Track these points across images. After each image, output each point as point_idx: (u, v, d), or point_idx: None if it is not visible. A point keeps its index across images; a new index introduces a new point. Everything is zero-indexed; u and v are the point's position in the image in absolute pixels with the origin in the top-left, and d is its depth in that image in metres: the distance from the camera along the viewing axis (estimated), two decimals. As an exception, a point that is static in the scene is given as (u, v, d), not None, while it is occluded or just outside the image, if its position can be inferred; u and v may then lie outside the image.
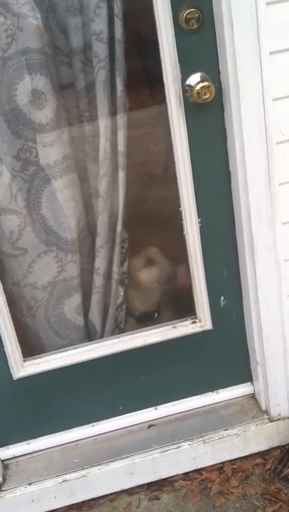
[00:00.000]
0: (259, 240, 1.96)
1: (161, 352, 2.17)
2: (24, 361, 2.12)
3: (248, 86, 1.76)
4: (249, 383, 2.28)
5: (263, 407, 2.23)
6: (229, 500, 2.07)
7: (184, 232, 2.02)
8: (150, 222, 2.52)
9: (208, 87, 1.78)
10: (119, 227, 2.18)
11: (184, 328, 2.16)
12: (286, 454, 2.18)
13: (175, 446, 2.15)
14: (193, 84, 1.78)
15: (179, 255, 2.11)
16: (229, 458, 2.20)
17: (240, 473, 2.16)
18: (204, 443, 2.16)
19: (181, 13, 1.72)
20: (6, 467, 2.20)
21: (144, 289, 2.39)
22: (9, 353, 2.07)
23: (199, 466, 2.19)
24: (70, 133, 2.08)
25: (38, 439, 2.21)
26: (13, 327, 2.06)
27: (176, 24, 1.74)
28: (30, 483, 2.12)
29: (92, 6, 1.86)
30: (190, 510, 2.07)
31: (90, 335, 2.33)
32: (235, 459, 2.20)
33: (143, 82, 2.37)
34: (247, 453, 2.20)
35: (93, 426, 2.24)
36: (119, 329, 2.36)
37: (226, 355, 2.22)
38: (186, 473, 2.18)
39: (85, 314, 2.31)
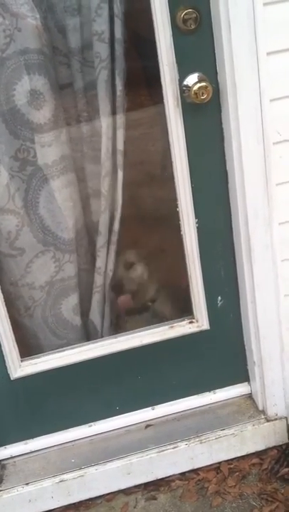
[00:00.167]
0: (256, 240, 1.96)
1: (159, 352, 2.18)
2: (22, 361, 2.12)
3: (246, 86, 1.76)
4: (246, 383, 2.29)
5: (260, 407, 2.23)
6: (226, 500, 2.07)
7: (181, 232, 2.02)
8: (146, 221, 2.53)
9: (206, 87, 1.78)
10: (116, 227, 2.18)
11: (181, 328, 2.16)
12: (283, 454, 2.18)
13: (172, 446, 2.15)
14: (190, 85, 1.79)
15: (175, 254, 2.11)
16: (226, 458, 2.20)
17: (237, 473, 2.16)
18: (201, 443, 2.16)
19: (179, 13, 1.73)
20: (3, 467, 2.20)
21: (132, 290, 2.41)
22: (7, 353, 2.07)
23: (196, 466, 2.19)
24: (68, 133, 2.08)
25: (35, 439, 2.21)
26: (10, 327, 2.06)
27: (174, 24, 1.74)
28: (27, 483, 2.12)
29: (94, 7, 1.87)
30: (187, 510, 2.07)
31: (88, 335, 2.34)
32: (232, 459, 2.20)
33: (141, 82, 2.38)
34: (244, 453, 2.20)
35: (90, 426, 2.24)
36: (115, 326, 2.37)
37: (223, 355, 2.23)
38: (183, 473, 2.18)
39: (82, 314, 2.32)
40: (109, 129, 2.02)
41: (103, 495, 2.16)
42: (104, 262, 2.23)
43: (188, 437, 2.17)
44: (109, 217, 2.16)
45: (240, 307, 2.15)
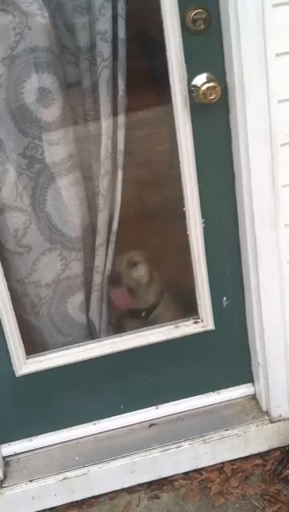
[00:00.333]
0: (262, 241, 1.96)
1: (163, 351, 2.18)
2: (27, 358, 2.13)
3: (254, 87, 1.76)
4: (250, 384, 2.29)
5: (264, 408, 2.23)
6: (229, 501, 2.08)
7: (188, 232, 2.02)
8: (152, 221, 2.54)
9: (214, 87, 1.78)
10: (115, 226, 2.19)
11: (186, 328, 2.17)
12: (286, 456, 2.18)
13: (176, 445, 2.16)
14: (199, 85, 1.79)
15: (181, 255, 2.12)
16: (229, 458, 2.20)
17: (240, 474, 2.16)
18: (205, 443, 2.16)
19: (188, 13, 1.73)
20: (7, 464, 2.20)
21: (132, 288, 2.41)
22: (12, 350, 2.08)
23: (199, 466, 2.19)
24: (75, 131, 2.09)
25: (39, 436, 2.22)
26: (16, 324, 2.07)
27: (183, 25, 1.74)
28: (31, 480, 2.13)
29: (98, 6, 1.87)
30: (189, 510, 2.07)
31: (92, 333, 2.34)
32: (235, 460, 2.20)
33: (148, 81, 2.38)
34: (247, 453, 2.21)
35: (94, 424, 2.25)
36: (111, 325, 2.38)
37: (227, 356, 2.23)
38: (186, 473, 2.19)
39: (88, 312, 2.32)
40: (109, 128, 2.03)
41: (106, 493, 2.17)
42: (103, 260, 2.23)
43: (192, 437, 2.18)
44: (108, 216, 2.17)
45: (245, 308, 2.16)
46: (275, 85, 1.77)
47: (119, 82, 1.96)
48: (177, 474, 2.19)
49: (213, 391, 2.28)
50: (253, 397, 2.29)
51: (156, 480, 2.18)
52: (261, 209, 1.92)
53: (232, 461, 2.20)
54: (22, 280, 2.19)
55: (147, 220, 2.56)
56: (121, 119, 2.02)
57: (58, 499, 2.14)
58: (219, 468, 2.19)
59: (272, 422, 2.19)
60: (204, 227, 2.01)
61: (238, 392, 2.29)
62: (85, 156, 2.14)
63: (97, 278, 2.25)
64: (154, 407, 2.27)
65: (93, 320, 2.32)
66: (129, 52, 1.94)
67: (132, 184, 2.14)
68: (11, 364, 2.10)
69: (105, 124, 2.02)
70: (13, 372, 2.11)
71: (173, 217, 2.13)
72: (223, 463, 2.20)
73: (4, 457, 2.21)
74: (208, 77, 1.79)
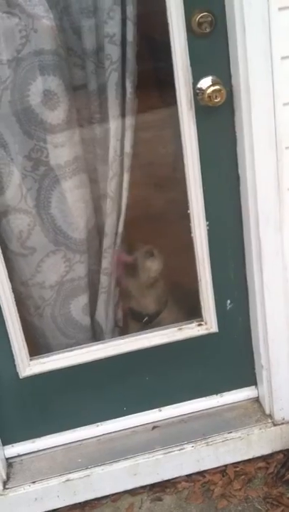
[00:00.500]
0: (266, 244, 1.96)
1: (167, 354, 2.18)
2: (30, 360, 2.13)
3: (259, 90, 1.77)
4: (253, 387, 2.29)
5: (267, 411, 2.23)
6: (231, 503, 2.07)
7: (192, 235, 2.02)
8: (156, 223, 2.54)
9: (220, 90, 1.78)
10: (120, 228, 2.19)
11: (190, 330, 2.17)
12: (289, 459, 2.19)
13: (178, 448, 2.16)
14: (204, 88, 1.79)
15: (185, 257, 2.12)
16: (232, 461, 2.20)
17: (243, 477, 2.16)
18: (208, 445, 2.16)
19: (194, 16, 1.73)
20: (10, 465, 2.20)
21: (140, 291, 2.41)
22: (16, 351, 2.08)
23: (202, 469, 2.19)
24: (81, 134, 2.09)
25: (42, 437, 2.22)
26: (20, 326, 2.07)
27: (189, 28, 1.74)
28: (33, 482, 2.13)
29: (106, 9, 1.87)
30: (192, 512, 2.08)
31: (97, 335, 2.34)
32: (238, 462, 2.20)
33: (153, 84, 2.38)
34: (250, 456, 2.20)
35: (97, 426, 2.25)
36: (118, 327, 2.38)
37: (230, 359, 2.23)
38: (189, 475, 2.19)
39: (92, 314, 2.32)
40: (118, 131, 2.03)
41: (109, 495, 2.17)
42: (111, 263, 2.23)
43: (194, 439, 2.18)
44: (116, 219, 2.17)
45: (249, 310, 2.16)
46: (281, 88, 1.78)
47: (127, 84, 1.96)
48: (180, 477, 2.18)
49: (216, 394, 2.28)
50: (256, 400, 2.29)
51: (159, 482, 2.18)
52: (266, 211, 1.92)
53: (235, 464, 2.20)
54: (26, 282, 2.19)
55: (150, 222, 2.56)
56: (129, 121, 2.02)
57: (61, 501, 2.14)
58: (222, 470, 2.19)
59: (275, 425, 2.19)
60: (208, 230, 2.01)
61: (241, 394, 2.29)
62: (90, 158, 2.14)
63: (104, 280, 2.25)
64: (157, 409, 2.27)
65: (100, 322, 2.31)
66: (135, 55, 1.94)
67: (136, 186, 2.14)
68: (14, 366, 2.10)
69: (114, 126, 2.02)
70: (16, 373, 2.11)
71: (177, 220, 2.13)
72: (226, 465, 2.20)
73: (7, 458, 2.21)
74: (213, 80, 1.80)
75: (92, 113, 2.08)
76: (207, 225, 2.00)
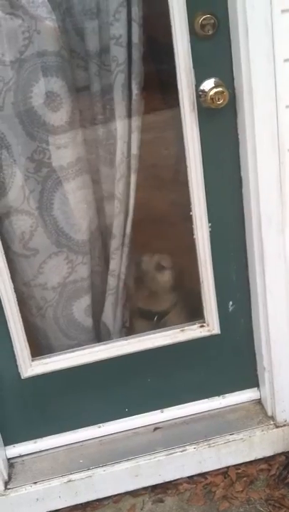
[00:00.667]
0: (269, 246, 1.96)
1: (169, 355, 2.18)
2: (32, 361, 2.13)
3: (262, 92, 1.77)
4: (255, 388, 2.28)
5: (269, 413, 2.23)
6: (233, 505, 2.07)
7: (194, 236, 2.02)
8: (158, 225, 2.54)
9: (222, 92, 1.78)
10: (128, 229, 2.19)
11: (192, 331, 2.17)
12: (291, 460, 2.18)
13: (180, 449, 2.16)
14: (207, 90, 1.79)
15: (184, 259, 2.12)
16: (234, 463, 2.20)
17: (245, 478, 2.16)
18: (209, 447, 2.16)
19: (197, 19, 1.73)
20: (11, 466, 2.21)
21: (151, 290, 2.41)
22: (18, 352, 2.08)
23: (204, 470, 2.19)
24: (83, 135, 2.09)
25: (44, 438, 2.22)
26: (22, 327, 2.07)
27: (192, 30, 1.75)
28: (35, 482, 2.13)
29: (112, 11, 1.87)
30: (194, 514, 2.08)
31: (99, 336, 2.35)
32: (240, 464, 2.20)
33: (156, 86, 2.39)
34: (252, 458, 2.20)
35: (99, 427, 2.25)
36: (125, 328, 2.39)
37: (233, 360, 2.23)
38: (191, 477, 2.19)
39: (94, 316, 2.32)
40: (125, 132, 2.03)
41: (110, 496, 2.16)
42: (119, 264, 2.23)
43: (196, 441, 2.17)
44: (123, 220, 2.17)
45: (251, 312, 2.16)
46: (283, 90, 1.78)
47: (133, 86, 1.96)
48: (182, 478, 2.18)
49: (218, 395, 2.28)
50: (259, 402, 2.29)
51: (161, 483, 2.18)
52: (268, 213, 1.92)
53: (237, 466, 2.20)
54: (28, 283, 2.20)
55: (153, 224, 2.56)
56: (135, 122, 2.03)
57: (62, 501, 2.14)
58: (224, 472, 2.19)
59: (277, 426, 2.19)
60: (211, 231, 2.01)
61: (243, 396, 2.29)
62: (93, 159, 2.14)
63: (112, 282, 2.25)
64: (159, 410, 2.27)
65: (107, 324, 2.32)
66: (141, 57, 1.95)
67: (140, 187, 2.14)
68: (16, 366, 2.10)
69: (120, 128, 2.03)
70: (18, 374, 2.11)
71: (179, 221, 2.13)
72: (227, 467, 2.19)
73: (9, 459, 2.21)
74: (216, 82, 1.80)
75: (96, 114, 2.08)
76: (209, 227, 2.00)
